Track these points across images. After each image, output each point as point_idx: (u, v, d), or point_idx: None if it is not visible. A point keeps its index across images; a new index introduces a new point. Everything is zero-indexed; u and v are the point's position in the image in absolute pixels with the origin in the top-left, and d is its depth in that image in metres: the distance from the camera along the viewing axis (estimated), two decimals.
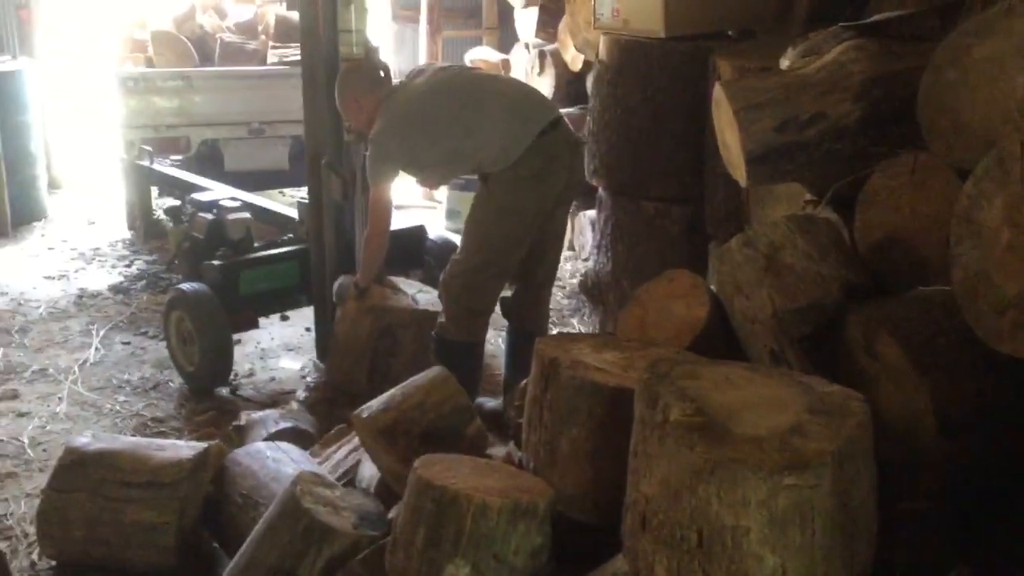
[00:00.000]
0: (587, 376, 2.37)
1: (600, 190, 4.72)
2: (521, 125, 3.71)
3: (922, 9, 3.15)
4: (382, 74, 4.14)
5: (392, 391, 2.88)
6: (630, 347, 2.63)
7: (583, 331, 5.24)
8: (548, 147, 3.72)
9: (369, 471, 3.00)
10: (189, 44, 7.46)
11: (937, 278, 2.53)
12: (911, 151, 2.66)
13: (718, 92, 2.94)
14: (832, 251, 2.66)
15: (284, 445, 3.11)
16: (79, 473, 2.96)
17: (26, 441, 3.95)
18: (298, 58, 6.80)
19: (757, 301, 2.62)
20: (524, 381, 2.89)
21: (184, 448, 3.04)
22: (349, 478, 3.16)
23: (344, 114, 4.07)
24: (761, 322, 2.60)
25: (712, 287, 3.00)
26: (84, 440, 3.07)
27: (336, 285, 4.23)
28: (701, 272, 4.07)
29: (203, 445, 3.03)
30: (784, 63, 3.13)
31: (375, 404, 2.84)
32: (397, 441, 2.73)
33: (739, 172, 2.92)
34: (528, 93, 3.97)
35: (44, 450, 3.88)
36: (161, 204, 7.31)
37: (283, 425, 3.59)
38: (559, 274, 6.16)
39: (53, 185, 8.25)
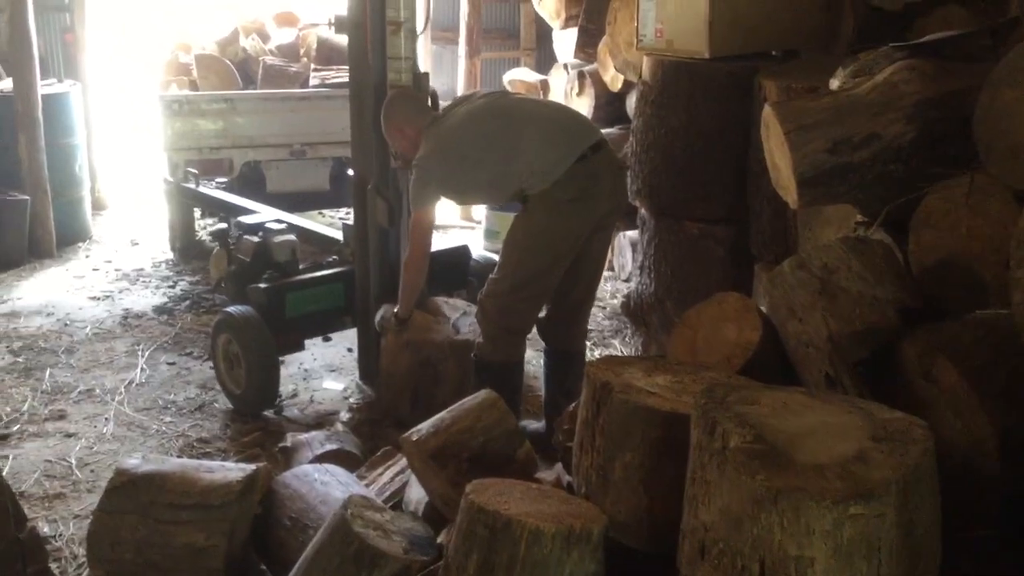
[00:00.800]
0: (640, 400, 2.34)
1: (642, 211, 4.70)
2: (562, 147, 3.70)
3: (975, 28, 3.12)
4: (428, 101, 4.17)
5: (441, 414, 2.86)
6: (681, 370, 2.60)
7: (624, 352, 5.21)
8: (589, 170, 3.71)
9: (416, 494, 2.99)
10: (232, 67, 7.55)
11: (995, 301, 2.49)
12: (966, 172, 2.63)
13: (767, 113, 2.92)
14: (888, 274, 2.62)
15: (332, 467, 3.11)
16: (129, 495, 2.97)
17: (74, 462, 3.98)
18: (340, 80, 6.92)
19: (811, 325, 2.59)
20: (573, 404, 2.88)
21: (233, 470, 3.03)
22: (396, 501, 3.15)
23: (389, 141, 4.08)
24: (816, 346, 2.57)
25: (761, 307, 2.98)
26: (134, 462, 3.08)
27: (378, 316, 4.22)
28: (747, 294, 4.04)
29: (252, 467, 3.02)
30: (834, 83, 3.10)
31: (424, 427, 2.83)
32: (447, 465, 2.71)
33: (790, 194, 2.89)
34: (571, 116, 3.96)
35: (92, 471, 3.91)
36: (204, 225, 7.38)
37: (329, 447, 3.59)
38: (599, 294, 6.16)
39: (98, 206, 8.34)
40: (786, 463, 1.88)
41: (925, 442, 1.95)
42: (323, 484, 2.96)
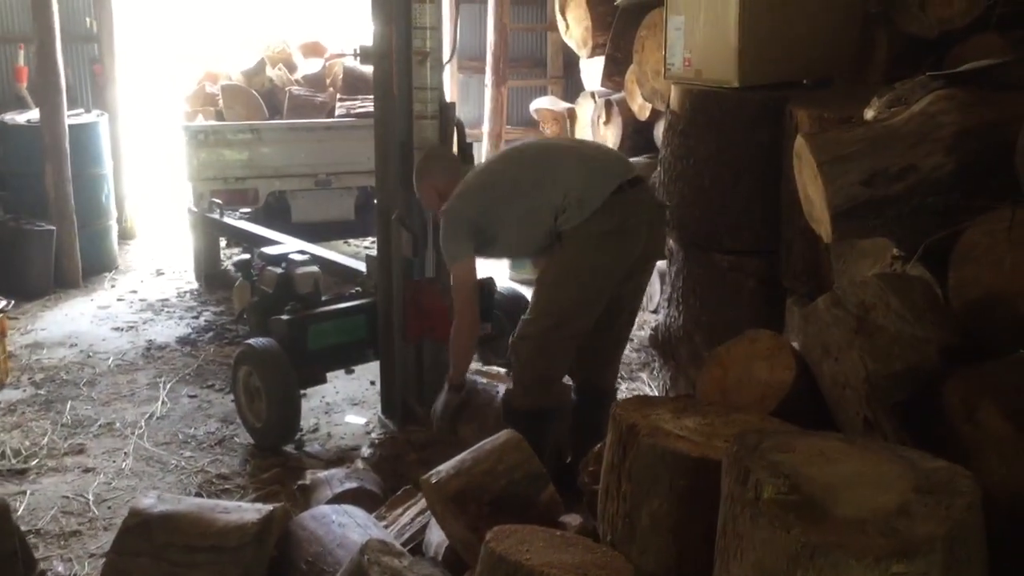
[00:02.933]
0: (668, 444, 2.25)
1: (671, 242, 4.61)
2: (597, 178, 3.57)
3: (1014, 57, 3.02)
4: (454, 131, 4.11)
5: (463, 455, 2.78)
6: (711, 412, 2.50)
7: (652, 386, 5.10)
8: (626, 204, 3.58)
9: (437, 536, 2.90)
10: (259, 97, 7.54)
11: None
12: (1008, 205, 2.53)
13: (800, 144, 2.83)
14: (927, 311, 2.52)
15: (350, 508, 3.02)
16: (143, 536, 2.90)
17: (91, 498, 3.92)
18: (365, 110, 6.90)
19: (848, 365, 2.49)
20: (599, 445, 2.79)
21: (249, 511, 2.96)
22: (416, 542, 3.07)
23: (422, 200, 4.00)
24: (853, 387, 2.47)
25: (794, 344, 2.88)
26: (149, 502, 3.01)
27: (434, 409, 3.97)
28: (777, 328, 3.93)
29: (268, 508, 2.95)
30: (869, 113, 3.01)
31: (445, 468, 2.74)
32: (467, 507, 2.62)
33: (824, 227, 2.80)
34: (606, 151, 3.86)
35: (109, 507, 3.85)
36: (229, 255, 7.36)
37: (348, 485, 3.51)
38: None
39: (125, 236, 8.36)
40: (823, 516, 1.79)
41: (971, 494, 1.85)
42: (341, 526, 2.87)
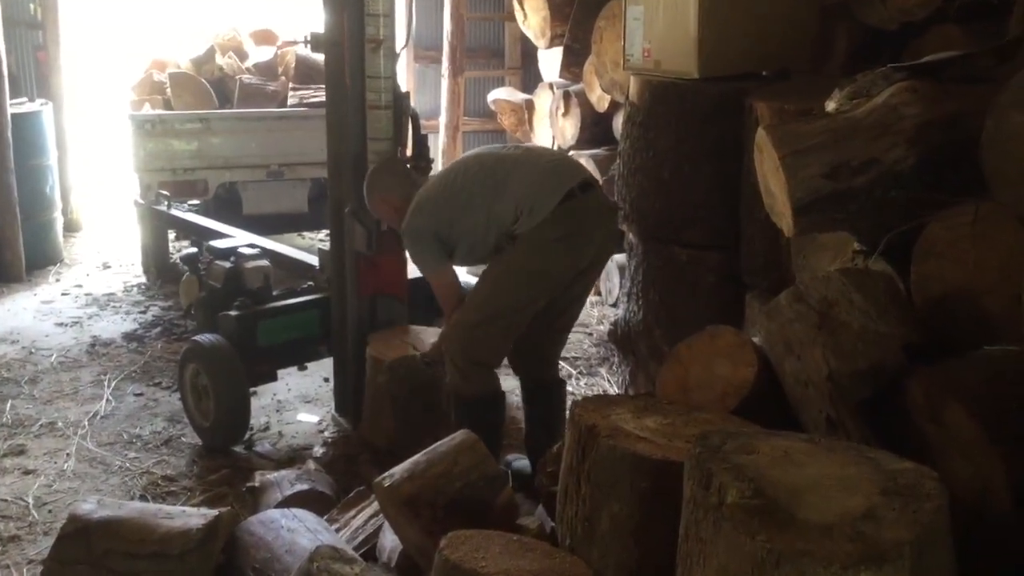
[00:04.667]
0: (629, 446, 2.19)
1: (630, 235, 4.55)
2: (546, 187, 3.54)
3: (977, 49, 2.98)
4: (409, 124, 4.04)
5: (416, 457, 2.69)
6: (673, 411, 2.45)
7: (611, 381, 5.05)
8: (577, 210, 3.54)
9: (390, 541, 2.82)
10: (208, 86, 7.37)
11: (1005, 336, 2.35)
12: (972, 199, 2.49)
13: (761, 137, 2.78)
14: (891, 307, 2.49)
15: (299, 512, 2.92)
16: (82, 543, 2.78)
17: (31, 501, 3.77)
18: (319, 99, 6.76)
19: (810, 362, 2.44)
20: (557, 445, 2.71)
21: (193, 516, 2.85)
22: (370, 546, 2.98)
23: (374, 212, 3.92)
24: (815, 385, 2.42)
25: (754, 339, 2.82)
26: (88, 507, 2.89)
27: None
28: (738, 323, 3.89)
29: (213, 513, 2.84)
30: (830, 106, 2.96)
31: (398, 471, 2.66)
32: (421, 512, 2.54)
33: (785, 221, 2.75)
34: (557, 158, 3.80)
35: (50, 511, 3.70)
36: (178, 248, 7.19)
37: (299, 487, 3.41)
38: (587, 320, 6.01)
39: (71, 228, 8.15)
40: (788, 521, 1.73)
41: (939, 497, 1.81)
42: (289, 531, 2.78)
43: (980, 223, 2.48)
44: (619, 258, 5.71)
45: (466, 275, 5.28)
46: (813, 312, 2.48)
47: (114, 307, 6.30)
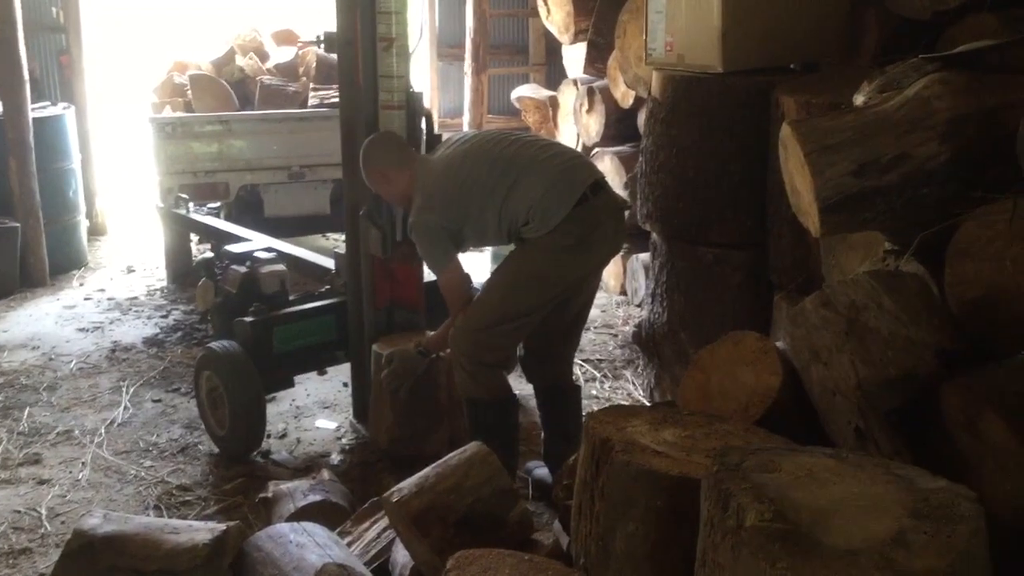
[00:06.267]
0: (644, 462, 2.07)
1: (654, 235, 4.43)
2: (560, 190, 3.44)
3: (1012, 38, 2.84)
4: (423, 123, 3.93)
5: (426, 471, 2.59)
6: (692, 422, 2.33)
7: (636, 384, 4.93)
8: (589, 214, 3.44)
9: (403, 556, 2.72)
10: (228, 88, 7.31)
11: None
12: (1009, 196, 2.35)
13: (786, 132, 2.65)
14: (923, 312, 2.36)
15: (309, 526, 2.83)
16: (86, 561, 2.71)
17: (44, 512, 3.71)
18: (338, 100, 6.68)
19: (838, 370, 2.32)
20: (573, 457, 2.61)
21: (201, 531, 2.77)
22: (383, 560, 2.88)
23: (372, 187, 3.80)
24: (843, 394, 2.30)
25: (779, 344, 2.70)
26: (94, 522, 2.81)
27: (391, 358, 3.91)
28: (765, 324, 3.77)
29: (221, 528, 2.76)
30: (859, 99, 2.83)
31: (406, 486, 2.56)
32: (431, 529, 2.44)
33: (811, 221, 2.62)
34: (569, 156, 3.66)
35: (63, 522, 3.64)
36: (201, 251, 7.14)
37: (312, 498, 3.32)
38: (612, 320, 5.89)
39: (96, 232, 8.14)
40: (812, 547, 1.62)
41: (975, 519, 1.68)
42: (298, 546, 2.68)
43: (1018, 221, 2.34)
44: (644, 257, 5.59)
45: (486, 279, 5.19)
46: (841, 318, 2.36)
47: (136, 311, 6.26)
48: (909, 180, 2.52)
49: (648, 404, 4.40)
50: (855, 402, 2.26)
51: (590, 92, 6.80)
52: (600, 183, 3.54)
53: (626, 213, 4.00)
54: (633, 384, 4.95)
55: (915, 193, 2.53)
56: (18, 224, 6.65)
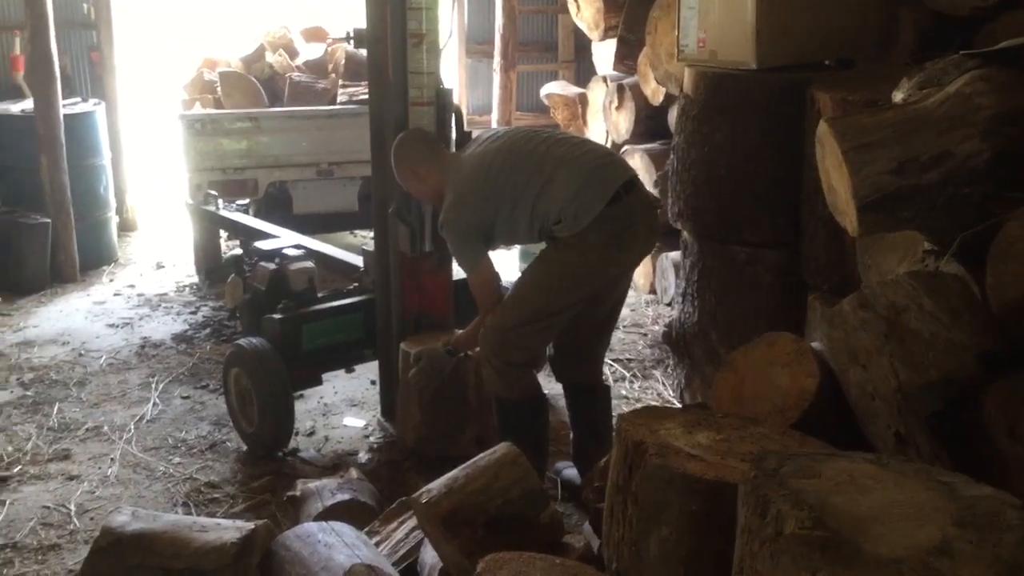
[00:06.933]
0: (679, 465, 2.03)
1: (685, 234, 4.38)
2: (594, 190, 3.40)
3: None
4: (452, 119, 3.90)
5: (455, 472, 2.57)
6: (727, 425, 2.28)
7: (666, 384, 4.88)
8: (622, 213, 3.41)
9: (432, 556, 2.70)
10: (258, 84, 7.32)
11: None
12: None
13: (823, 130, 2.60)
14: (964, 313, 2.30)
15: (337, 526, 2.81)
16: (114, 558, 2.71)
17: (73, 508, 3.72)
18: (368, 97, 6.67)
19: (877, 373, 2.27)
20: (604, 459, 2.57)
21: (229, 529, 2.76)
22: (411, 560, 2.86)
23: (403, 184, 3.78)
24: (883, 398, 2.25)
25: (814, 344, 2.65)
26: (122, 519, 2.81)
27: (419, 356, 3.88)
28: (797, 325, 3.71)
29: (249, 526, 2.75)
30: (898, 96, 2.77)
31: (435, 487, 2.53)
32: (460, 531, 2.42)
33: (849, 220, 2.57)
34: (600, 154, 3.60)
35: (91, 519, 3.65)
36: (231, 247, 7.15)
37: (340, 497, 3.30)
38: (642, 320, 5.84)
39: (127, 228, 8.17)
40: (853, 555, 1.57)
41: (1022, 528, 1.62)
42: (326, 546, 2.66)
43: None
44: (674, 255, 5.53)
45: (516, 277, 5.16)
46: (880, 319, 2.31)
47: (165, 308, 6.28)
48: (950, 179, 2.46)
49: (679, 405, 4.36)
50: (895, 405, 2.22)
51: (620, 89, 6.75)
52: (633, 181, 3.50)
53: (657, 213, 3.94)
54: (663, 384, 4.90)
55: (956, 192, 2.47)
56: (49, 220, 6.68)
